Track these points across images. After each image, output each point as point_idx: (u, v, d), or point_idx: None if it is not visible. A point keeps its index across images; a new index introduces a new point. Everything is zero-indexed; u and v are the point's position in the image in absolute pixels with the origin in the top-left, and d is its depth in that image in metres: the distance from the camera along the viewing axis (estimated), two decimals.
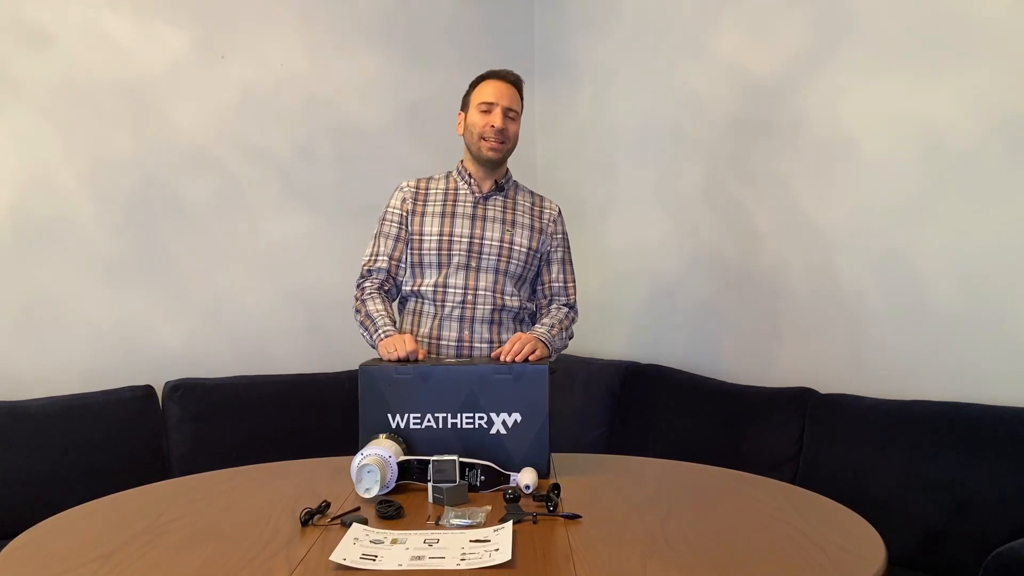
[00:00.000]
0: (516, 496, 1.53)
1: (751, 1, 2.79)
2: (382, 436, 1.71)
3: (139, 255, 2.89)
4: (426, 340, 2.10)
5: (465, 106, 2.16)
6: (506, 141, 2.11)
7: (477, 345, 2.09)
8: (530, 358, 1.81)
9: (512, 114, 2.11)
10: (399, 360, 1.82)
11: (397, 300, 2.21)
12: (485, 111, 2.09)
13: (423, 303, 2.12)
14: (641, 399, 2.93)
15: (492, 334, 2.10)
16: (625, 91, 3.30)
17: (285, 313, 3.18)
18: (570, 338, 2.18)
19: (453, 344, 2.09)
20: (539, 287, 2.22)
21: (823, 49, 2.56)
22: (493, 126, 2.08)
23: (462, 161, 2.19)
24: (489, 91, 2.10)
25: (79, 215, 2.79)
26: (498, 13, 3.64)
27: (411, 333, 2.13)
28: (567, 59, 3.59)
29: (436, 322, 2.10)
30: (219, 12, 3.03)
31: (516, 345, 1.83)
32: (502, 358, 1.82)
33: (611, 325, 3.39)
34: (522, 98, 2.15)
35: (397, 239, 2.15)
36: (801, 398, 2.47)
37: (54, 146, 2.75)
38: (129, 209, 2.88)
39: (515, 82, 2.14)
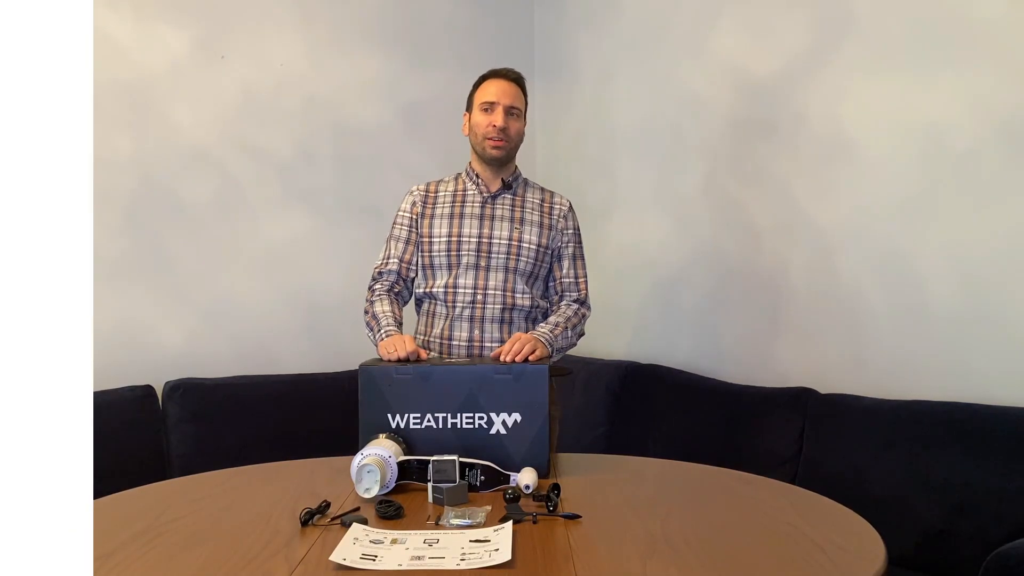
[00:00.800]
0: (516, 496, 1.53)
1: (751, 1, 2.79)
2: (382, 436, 1.71)
3: (139, 255, 2.89)
4: (438, 341, 2.10)
5: (469, 106, 2.17)
6: (509, 139, 2.11)
7: (488, 345, 2.08)
8: (530, 358, 1.81)
9: (515, 112, 2.11)
10: (398, 360, 1.82)
11: (411, 302, 2.22)
12: (487, 110, 2.10)
13: (435, 304, 2.13)
14: (641, 399, 2.93)
15: (503, 333, 2.09)
16: (625, 91, 3.30)
17: (285, 313, 3.18)
18: (580, 335, 2.16)
19: (464, 344, 2.09)
20: (551, 283, 2.22)
21: (823, 49, 2.56)
22: (495, 125, 2.08)
23: (470, 162, 2.20)
24: (491, 90, 2.10)
25: None
26: (498, 13, 3.64)
27: (425, 334, 2.13)
28: (567, 59, 3.59)
29: (447, 323, 2.10)
30: (219, 12, 3.03)
31: (516, 345, 1.83)
32: (501, 358, 1.82)
33: (611, 325, 3.39)
34: (525, 95, 2.16)
35: (407, 242, 2.17)
36: (801, 398, 2.47)
37: None
38: (129, 209, 2.88)
39: (517, 80, 2.14)
